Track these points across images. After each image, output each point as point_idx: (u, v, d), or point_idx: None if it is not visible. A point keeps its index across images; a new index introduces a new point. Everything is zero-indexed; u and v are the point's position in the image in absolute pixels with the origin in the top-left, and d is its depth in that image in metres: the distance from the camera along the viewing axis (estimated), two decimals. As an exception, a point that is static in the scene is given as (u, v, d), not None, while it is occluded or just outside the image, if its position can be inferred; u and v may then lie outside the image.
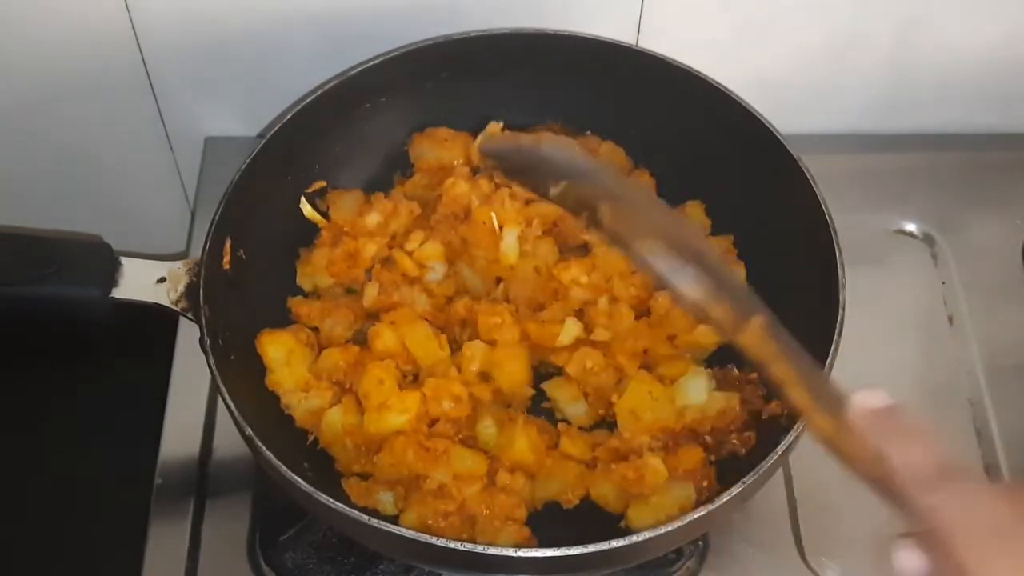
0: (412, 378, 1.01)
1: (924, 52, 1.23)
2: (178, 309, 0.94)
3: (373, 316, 1.04)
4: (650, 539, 0.81)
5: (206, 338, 0.91)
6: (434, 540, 0.81)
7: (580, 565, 0.82)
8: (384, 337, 1.00)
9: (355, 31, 1.15)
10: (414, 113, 1.14)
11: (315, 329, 1.04)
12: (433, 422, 0.97)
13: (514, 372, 0.99)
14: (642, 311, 1.05)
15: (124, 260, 0.95)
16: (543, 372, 1.04)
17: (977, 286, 1.20)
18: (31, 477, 1.34)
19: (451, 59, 1.10)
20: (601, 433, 1.00)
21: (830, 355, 0.88)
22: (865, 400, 0.61)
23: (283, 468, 0.84)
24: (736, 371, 1.01)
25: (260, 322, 1.01)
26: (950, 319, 1.19)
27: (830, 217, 0.96)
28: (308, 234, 1.09)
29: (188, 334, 1.10)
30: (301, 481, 0.83)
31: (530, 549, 0.81)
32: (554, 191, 0.79)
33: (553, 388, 1.01)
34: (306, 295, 1.08)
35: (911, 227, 1.25)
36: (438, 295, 1.06)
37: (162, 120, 1.25)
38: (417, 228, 1.08)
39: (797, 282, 0.99)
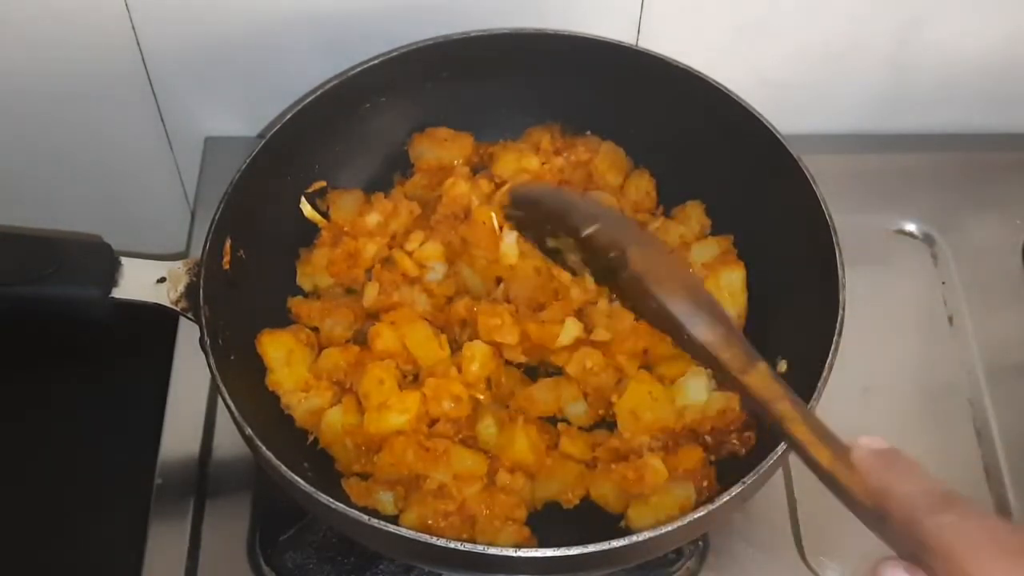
0: (412, 378, 1.01)
1: (924, 52, 1.23)
2: (178, 309, 0.94)
3: (373, 316, 1.04)
4: (650, 539, 0.81)
5: (206, 338, 0.91)
6: (434, 540, 0.81)
7: (580, 565, 0.82)
8: (384, 337, 1.00)
9: (355, 31, 1.15)
10: (414, 113, 1.14)
11: (315, 329, 1.04)
12: (433, 422, 0.97)
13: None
14: (642, 311, 1.05)
15: (124, 260, 0.95)
16: (543, 372, 1.04)
17: (977, 286, 1.20)
18: (31, 477, 1.34)
19: (451, 59, 1.10)
20: (601, 433, 1.00)
21: (830, 355, 0.88)
22: (868, 443, 0.65)
23: (283, 468, 0.84)
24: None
25: (260, 322, 1.01)
26: (950, 319, 1.19)
27: (830, 217, 0.96)
28: (308, 234, 1.09)
29: (188, 334, 1.10)
30: (301, 481, 0.83)
31: (530, 549, 0.81)
32: (587, 231, 0.88)
33: (544, 389, 1.02)
34: (306, 295, 1.08)
35: (911, 227, 1.25)
36: (438, 295, 1.06)
37: (162, 120, 1.25)
38: (417, 228, 1.08)
39: (797, 282, 0.99)
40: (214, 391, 1.06)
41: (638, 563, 0.96)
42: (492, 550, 0.82)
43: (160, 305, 0.94)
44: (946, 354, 1.16)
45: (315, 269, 1.07)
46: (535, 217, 0.98)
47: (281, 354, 0.99)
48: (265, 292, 1.04)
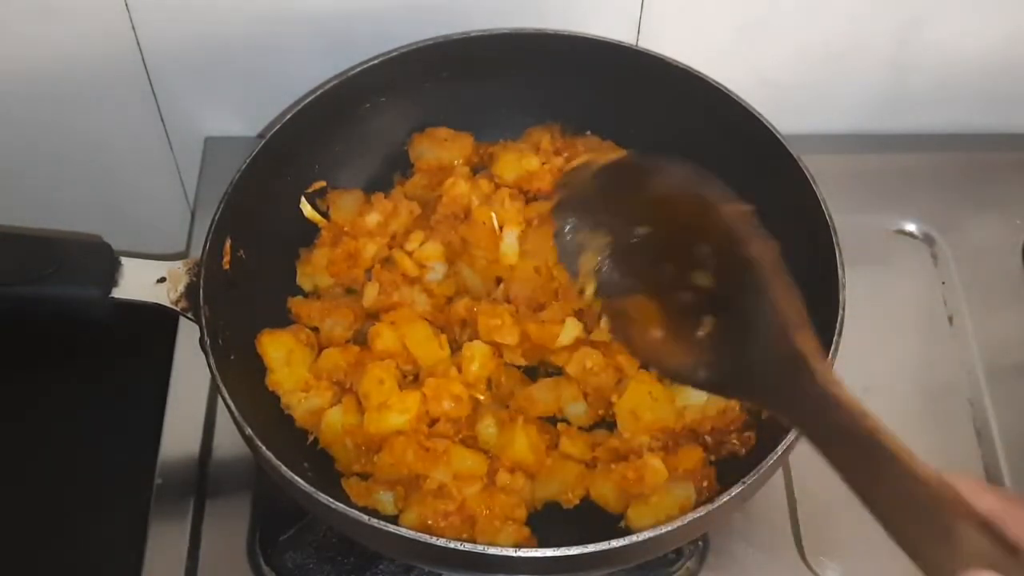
0: (412, 378, 1.01)
1: (924, 52, 1.23)
2: (178, 309, 0.94)
3: (373, 316, 1.04)
4: (650, 539, 0.81)
5: (206, 338, 0.91)
6: (434, 540, 0.81)
7: (580, 565, 0.82)
8: (384, 337, 1.00)
9: (355, 31, 1.15)
10: (414, 113, 1.14)
11: (315, 329, 1.04)
12: (433, 422, 0.97)
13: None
14: (642, 311, 1.05)
15: (124, 260, 0.95)
16: (543, 372, 1.04)
17: (977, 286, 1.20)
18: (31, 477, 1.34)
19: (451, 59, 1.10)
20: (601, 433, 1.00)
21: (830, 355, 0.88)
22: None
23: (283, 468, 0.84)
24: (736, 371, 1.01)
25: (260, 322, 1.01)
26: (950, 319, 1.19)
27: (830, 217, 0.96)
28: (308, 234, 1.09)
29: (188, 334, 1.10)
30: (301, 481, 0.83)
31: (530, 549, 0.81)
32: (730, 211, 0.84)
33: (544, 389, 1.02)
34: (306, 295, 1.08)
35: (911, 227, 1.25)
36: (438, 295, 1.06)
37: (162, 120, 1.25)
38: (417, 228, 1.08)
39: (797, 283, 0.99)
40: (214, 391, 1.06)
41: (638, 563, 0.96)
42: (492, 550, 0.82)
43: (160, 305, 0.94)
44: (946, 354, 1.16)
45: (315, 269, 1.07)
46: (602, 197, 0.93)
47: (281, 354, 0.99)
48: (265, 292, 1.04)
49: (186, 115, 1.25)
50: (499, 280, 1.06)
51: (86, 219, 1.33)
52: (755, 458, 0.86)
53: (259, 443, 0.85)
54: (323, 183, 1.10)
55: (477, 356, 0.99)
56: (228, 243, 0.98)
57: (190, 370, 1.08)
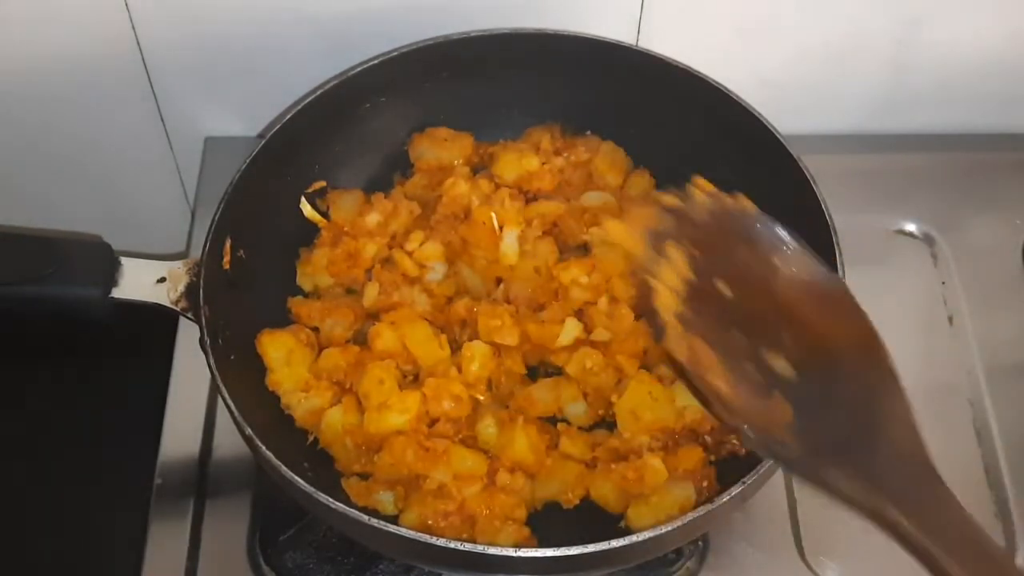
0: (412, 378, 1.01)
1: (924, 52, 1.23)
2: (178, 309, 0.94)
3: (373, 316, 1.04)
4: (650, 539, 0.81)
5: (206, 338, 0.91)
6: (434, 540, 0.81)
7: (580, 565, 0.82)
8: (384, 337, 1.00)
9: (355, 31, 1.15)
10: (414, 113, 1.14)
11: (315, 329, 1.04)
12: (433, 422, 0.97)
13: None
14: (642, 311, 1.05)
15: (124, 260, 0.95)
16: (543, 372, 1.04)
17: (977, 286, 1.20)
18: (31, 477, 1.34)
19: (451, 59, 1.10)
20: (601, 433, 1.00)
21: (830, 355, 0.88)
22: None
23: (283, 468, 0.84)
24: (736, 371, 1.01)
25: (260, 322, 1.01)
26: (950, 319, 1.19)
27: (830, 217, 0.96)
28: (308, 234, 1.09)
29: (188, 334, 1.10)
30: (301, 481, 0.83)
31: (530, 549, 0.81)
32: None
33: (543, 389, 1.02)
34: (306, 295, 1.08)
35: (911, 227, 1.25)
36: (438, 295, 1.06)
37: (162, 120, 1.25)
38: (417, 228, 1.08)
39: (797, 282, 0.99)
40: (214, 391, 1.06)
41: (638, 563, 0.96)
42: (492, 550, 0.82)
43: (160, 305, 0.94)
44: (946, 354, 1.16)
45: (315, 269, 1.07)
46: (721, 241, 0.85)
47: (281, 354, 0.99)
48: (265, 292, 1.04)
49: (186, 115, 1.25)
50: (499, 280, 1.06)
51: (86, 219, 1.32)
52: (755, 458, 0.86)
53: (259, 443, 0.85)
54: (323, 183, 1.10)
55: (477, 356, 0.99)
56: (228, 243, 0.98)
57: (190, 370, 1.08)
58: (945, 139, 1.33)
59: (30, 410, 1.38)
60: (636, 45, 1.17)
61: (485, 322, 1.01)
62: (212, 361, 0.90)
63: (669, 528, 0.82)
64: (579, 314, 1.04)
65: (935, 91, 1.28)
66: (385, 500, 0.94)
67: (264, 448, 0.85)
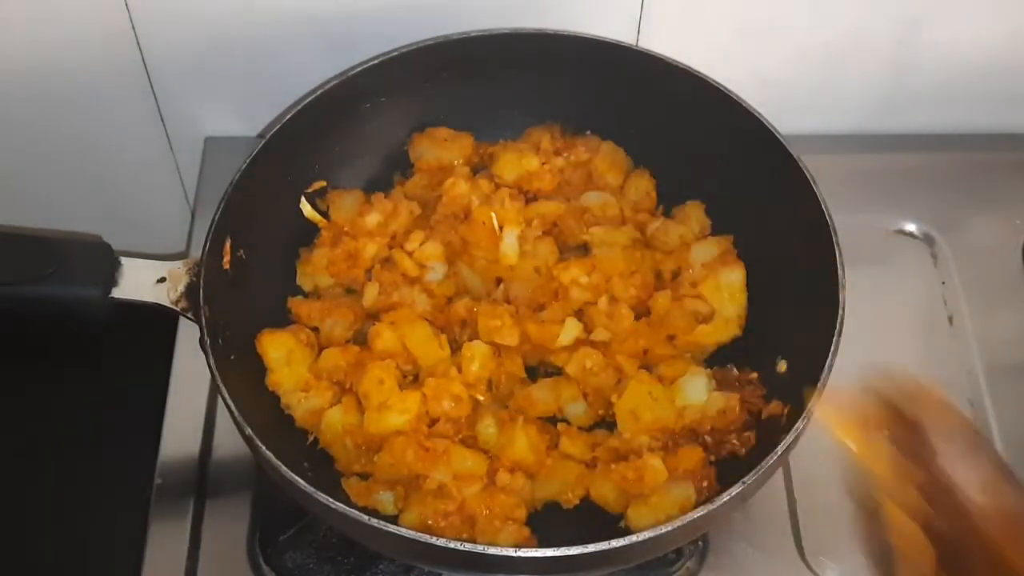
0: (412, 378, 1.01)
1: (924, 52, 1.23)
2: (178, 309, 0.94)
3: (373, 316, 1.04)
4: (650, 539, 0.81)
5: (206, 338, 0.91)
6: (434, 540, 0.81)
7: (580, 565, 0.82)
8: (384, 337, 1.00)
9: (355, 31, 1.15)
10: (414, 113, 1.14)
11: (315, 329, 1.04)
12: (433, 422, 0.97)
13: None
14: (642, 311, 1.05)
15: (124, 260, 0.95)
16: (543, 372, 1.04)
17: (977, 286, 1.20)
18: (31, 477, 1.34)
19: (451, 59, 1.10)
20: (601, 433, 1.00)
21: (830, 355, 0.88)
22: None
23: (283, 468, 0.84)
24: (736, 371, 1.01)
25: (260, 322, 1.01)
26: (950, 319, 1.19)
27: (830, 217, 0.96)
28: (308, 234, 1.09)
29: (188, 334, 1.10)
30: (301, 481, 0.83)
31: (530, 549, 0.81)
32: None
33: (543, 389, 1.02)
34: (306, 295, 1.08)
35: (911, 227, 1.25)
36: (438, 295, 1.06)
37: (162, 120, 1.25)
38: (417, 228, 1.08)
39: (797, 282, 0.99)
40: (214, 391, 1.06)
41: (638, 563, 0.96)
42: (492, 550, 0.82)
43: (160, 305, 0.94)
44: (946, 354, 1.16)
45: (315, 269, 1.07)
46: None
47: (281, 354, 0.99)
48: (265, 292, 1.04)
49: (186, 115, 1.25)
50: (499, 280, 1.06)
51: (86, 219, 1.32)
52: (755, 458, 0.86)
53: (259, 443, 0.85)
54: (323, 183, 1.10)
55: (477, 356, 0.99)
56: (228, 243, 0.98)
57: (190, 370, 1.08)
58: (945, 139, 1.33)
59: (30, 410, 1.38)
60: (636, 45, 1.17)
61: (485, 322, 1.01)
62: (212, 361, 0.90)
63: (669, 528, 0.82)
64: (579, 314, 1.04)
65: (935, 91, 1.28)
66: (385, 500, 0.94)
67: (264, 448, 0.85)
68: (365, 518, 0.81)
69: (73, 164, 1.30)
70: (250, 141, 1.25)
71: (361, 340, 1.03)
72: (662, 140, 1.11)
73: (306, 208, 1.09)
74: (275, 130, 1.02)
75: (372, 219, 1.08)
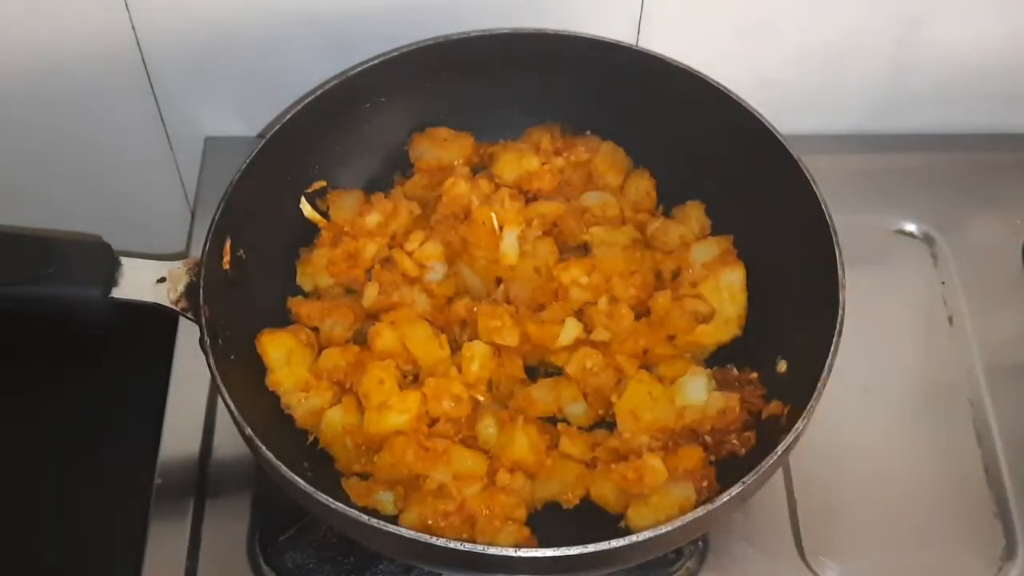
0: (412, 378, 1.01)
1: (924, 52, 1.23)
2: (178, 309, 0.94)
3: (373, 316, 1.04)
4: (650, 539, 0.81)
5: (206, 338, 0.91)
6: (434, 540, 0.81)
7: (580, 565, 0.82)
8: (384, 337, 1.00)
9: (355, 31, 1.15)
10: (414, 113, 1.14)
11: (315, 329, 1.04)
12: (433, 422, 0.97)
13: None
14: (642, 311, 1.05)
15: (124, 260, 0.95)
16: (543, 372, 1.04)
17: (977, 286, 1.20)
18: (31, 477, 1.34)
19: (451, 59, 1.10)
20: (601, 433, 1.00)
21: (830, 355, 0.88)
22: None
23: (283, 468, 0.84)
24: (736, 371, 1.01)
25: (260, 322, 1.01)
26: (950, 319, 1.19)
27: (830, 217, 0.96)
28: (308, 234, 1.09)
29: (188, 334, 1.10)
30: (301, 481, 0.83)
31: (530, 549, 0.81)
32: None
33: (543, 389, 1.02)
34: (306, 295, 1.08)
35: (911, 227, 1.25)
36: (438, 295, 1.06)
37: (162, 120, 1.25)
38: (417, 228, 1.08)
39: (797, 282, 0.99)
40: (214, 391, 1.06)
41: (638, 563, 0.96)
42: (492, 550, 0.82)
43: (160, 305, 0.94)
44: (946, 354, 1.16)
45: (315, 269, 1.07)
46: None
47: (281, 354, 0.99)
48: (265, 292, 1.04)
49: (186, 115, 1.25)
50: (499, 280, 1.06)
51: (86, 219, 1.33)
52: (755, 458, 0.86)
53: (259, 443, 0.85)
54: (323, 183, 1.10)
55: (477, 356, 0.99)
56: (228, 243, 0.98)
57: (190, 370, 1.08)
58: (945, 139, 1.33)
59: (30, 410, 1.38)
60: (636, 45, 1.17)
61: (485, 322, 1.01)
62: (212, 361, 0.90)
63: (669, 528, 0.82)
64: (579, 314, 1.04)
65: (935, 91, 1.28)
66: (385, 500, 0.94)
67: (264, 448, 0.85)
68: (365, 518, 0.81)
69: (73, 164, 1.30)
70: (250, 141, 1.25)
71: (361, 340, 1.03)
72: (662, 140, 1.11)
73: (306, 208, 1.09)
74: (275, 130, 1.02)
75: (372, 219, 1.08)
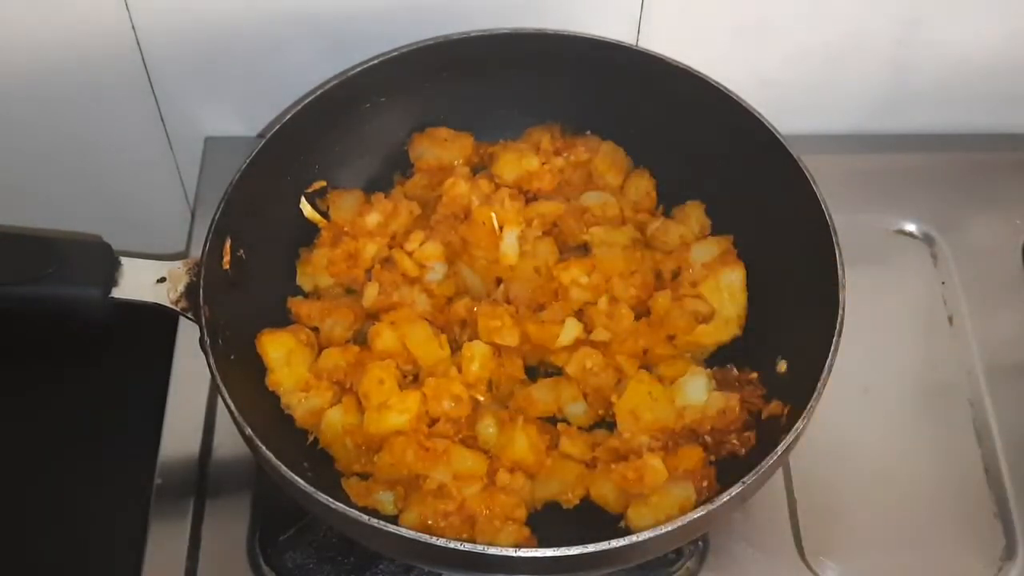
0: (412, 378, 1.01)
1: (924, 52, 1.23)
2: (178, 309, 0.94)
3: (373, 316, 1.04)
4: (650, 539, 0.81)
5: (206, 338, 0.91)
6: (434, 540, 0.81)
7: (580, 565, 0.82)
8: (384, 337, 1.00)
9: (355, 31, 1.15)
10: (414, 113, 1.14)
11: (315, 329, 1.04)
12: (433, 422, 0.97)
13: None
14: (642, 311, 1.05)
15: (124, 260, 0.95)
16: (543, 372, 1.04)
17: (977, 286, 1.20)
18: (31, 477, 1.34)
19: (451, 59, 1.10)
20: (601, 433, 1.00)
21: (830, 355, 0.88)
22: None
23: (283, 468, 0.84)
24: (736, 371, 1.01)
25: (260, 322, 1.01)
26: (950, 319, 1.19)
27: (830, 217, 0.96)
28: (308, 234, 1.09)
29: (188, 334, 1.10)
30: (301, 481, 0.83)
31: (530, 549, 0.81)
32: None
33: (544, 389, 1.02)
34: (306, 295, 1.08)
35: (911, 227, 1.25)
36: (438, 295, 1.06)
37: (162, 120, 1.25)
38: (417, 228, 1.08)
39: (797, 282, 0.99)
40: (214, 391, 1.06)
41: (638, 563, 0.96)
42: (492, 550, 0.82)
43: (160, 305, 0.94)
44: (946, 354, 1.16)
45: (315, 269, 1.07)
46: None
47: (281, 354, 0.99)
48: (265, 292, 1.04)
49: (186, 115, 1.25)
50: (499, 280, 1.06)
51: (86, 219, 1.33)
52: (755, 458, 0.86)
53: (259, 443, 0.85)
54: (323, 183, 1.10)
55: (477, 356, 0.99)
56: (228, 243, 0.98)
57: (190, 370, 1.08)
58: (945, 139, 1.33)
59: (30, 410, 1.38)
60: (636, 45, 1.17)
61: (485, 322, 1.01)
62: (212, 361, 0.90)
63: (669, 528, 0.82)
64: (579, 314, 1.04)
65: (935, 91, 1.28)
66: (385, 500, 0.94)
67: (264, 448, 0.85)
68: (365, 518, 0.81)
69: (73, 164, 1.30)
70: (250, 141, 1.25)
71: (361, 340, 1.03)
72: (662, 140, 1.11)
73: (306, 208, 1.09)
74: (275, 130, 1.02)
75: (372, 219, 1.08)
